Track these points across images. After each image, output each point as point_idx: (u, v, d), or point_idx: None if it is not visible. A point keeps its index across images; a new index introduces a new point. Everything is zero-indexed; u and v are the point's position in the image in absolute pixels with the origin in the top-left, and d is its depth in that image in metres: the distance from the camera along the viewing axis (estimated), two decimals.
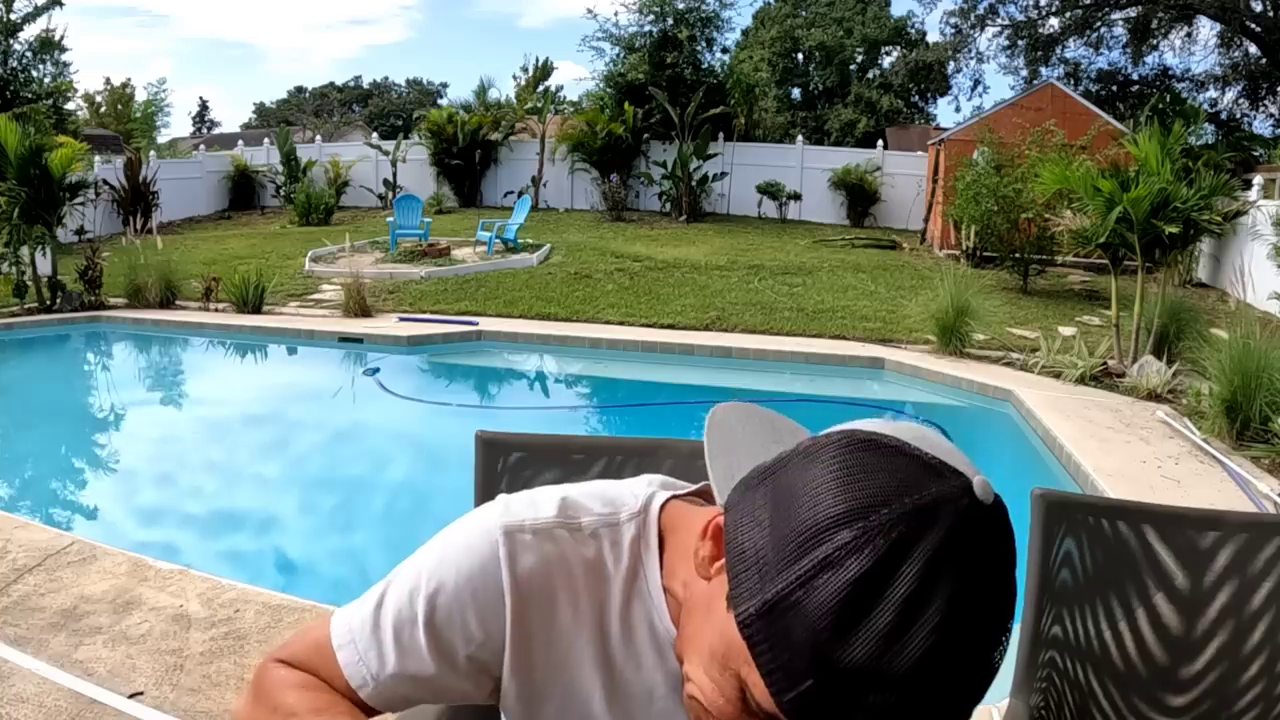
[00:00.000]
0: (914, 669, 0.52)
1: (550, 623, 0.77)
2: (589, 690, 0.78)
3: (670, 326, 8.81)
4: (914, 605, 0.52)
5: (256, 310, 9.43)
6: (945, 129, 19.23)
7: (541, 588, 0.76)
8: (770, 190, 19.03)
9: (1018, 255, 11.43)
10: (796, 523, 0.56)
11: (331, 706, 0.76)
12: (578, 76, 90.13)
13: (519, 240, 13.95)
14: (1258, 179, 12.03)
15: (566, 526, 0.78)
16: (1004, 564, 0.57)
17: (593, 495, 0.81)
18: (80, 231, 13.57)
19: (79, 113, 22.71)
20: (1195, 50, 42.39)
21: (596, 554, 0.78)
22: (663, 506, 0.81)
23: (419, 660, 0.77)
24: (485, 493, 1.39)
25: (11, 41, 18.76)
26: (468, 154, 20.58)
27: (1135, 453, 5.05)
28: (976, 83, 28.36)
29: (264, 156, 21.69)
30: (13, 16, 18.64)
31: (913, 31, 30.29)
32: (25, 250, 9.27)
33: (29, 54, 19.25)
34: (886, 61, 30.90)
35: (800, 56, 31.24)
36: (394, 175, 20.51)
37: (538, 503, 0.80)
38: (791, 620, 0.54)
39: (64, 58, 20.04)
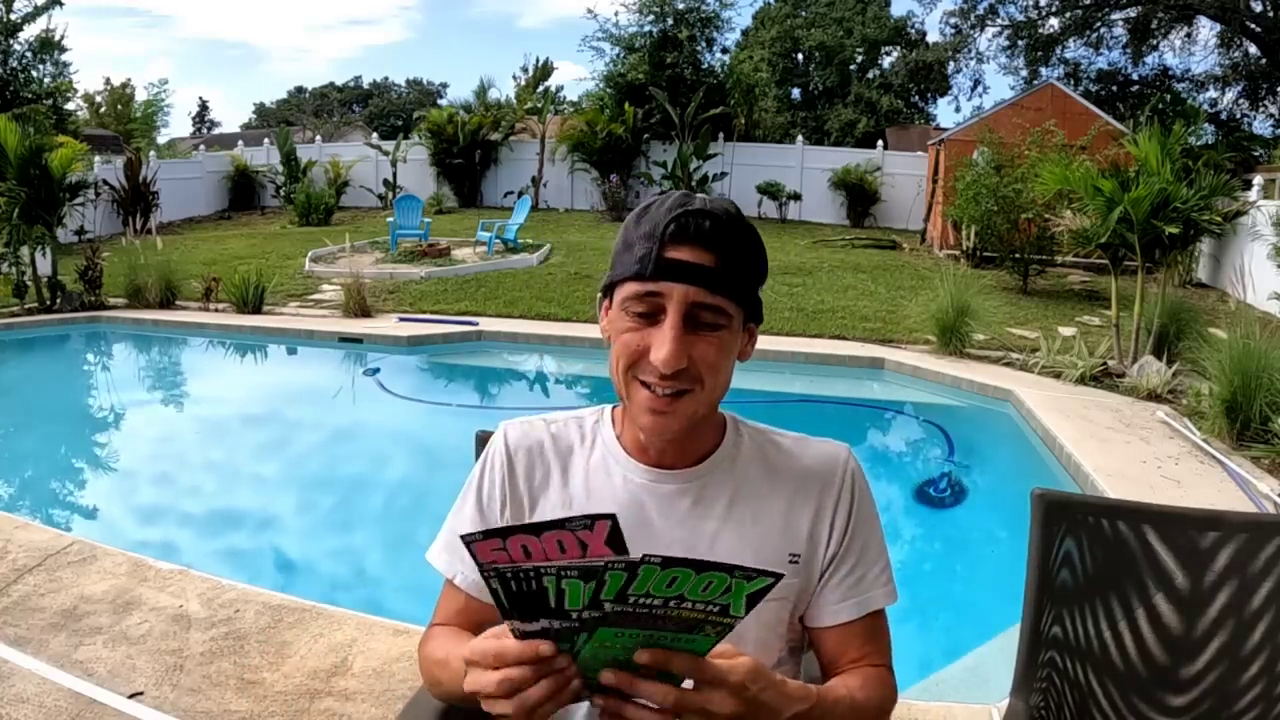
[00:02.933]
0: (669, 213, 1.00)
1: (532, 480, 1.11)
2: None
3: None
4: (658, 205, 1.02)
5: (256, 310, 9.43)
6: (945, 129, 19.24)
7: (525, 453, 1.12)
8: (770, 190, 19.03)
9: (1018, 255, 11.43)
10: None
11: (453, 634, 1.06)
12: (578, 77, 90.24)
13: (519, 240, 13.95)
14: (1258, 179, 12.04)
15: (544, 420, 1.16)
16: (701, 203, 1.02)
17: (568, 412, 1.19)
18: (80, 231, 13.58)
19: (79, 113, 22.72)
20: (1195, 50, 42.44)
21: (563, 432, 1.14)
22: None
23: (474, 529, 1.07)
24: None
25: (11, 41, 18.77)
26: (468, 154, 20.58)
27: (1135, 453, 5.05)
28: (976, 83, 28.41)
29: (264, 157, 21.69)
30: (13, 16, 18.64)
31: (913, 31, 30.28)
32: (25, 250, 9.27)
33: (29, 54, 19.25)
34: (886, 61, 30.90)
35: (800, 56, 31.24)
36: (394, 175, 20.52)
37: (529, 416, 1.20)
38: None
39: (64, 58, 20.07)
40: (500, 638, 0.78)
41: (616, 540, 0.70)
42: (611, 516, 0.71)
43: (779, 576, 0.70)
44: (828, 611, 1.07)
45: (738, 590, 0.71)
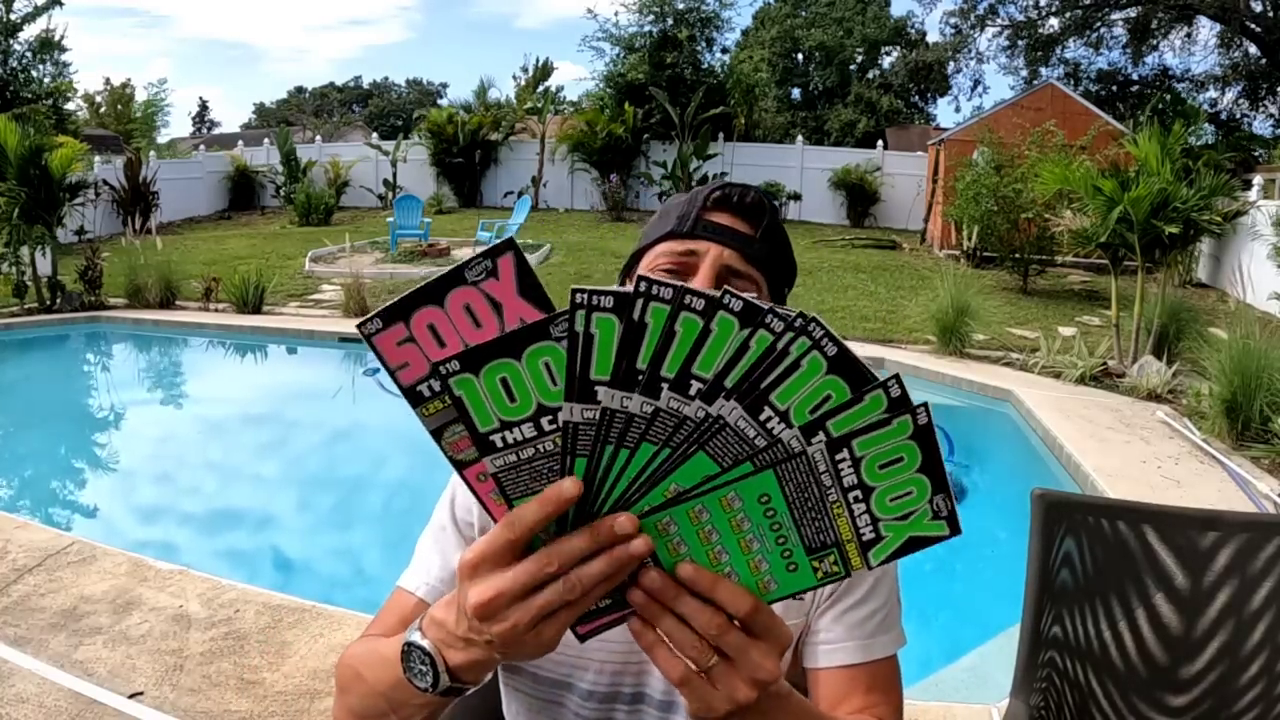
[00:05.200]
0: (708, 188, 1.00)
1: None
2: None
3: None
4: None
5: (256, 310, 9.43)
6: (945, 129, 19.23)
7: None
8: (770, 190, 19.04)
9: (1018, 255, 11.43)
10: None
11: (377, 638, 0.84)
12: (578, 77, 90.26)
13: (519, 240, 13.93)
14: (1257, 179, 12.04)
15: None
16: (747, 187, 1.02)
17: None
18: (80, 232, 13.58)
19: (79, 113, 22.70)
20: (1195, 50, 42.49)
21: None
22: None
23: (455, 550, 0.95)
24: None
25: (11, 41, 18.76)
26: (468, 154, 20.59)
27: (1135, 453, 5.05)
28: (976, 83, 28.48)
29: (264, 157, 21.69)
30: (13, 16, 18.64)
31: (913, 31, 30.32)
32: (25, 250, 9.26)
33: (29, 54, 19.24)
34: (886, 61, 30.93)
35: (800, 56, 31.26)
36: (394, 175, 20.52)
37: None
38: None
39: (64, 58, 20.06)
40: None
41: (529, 283, 0.55)
42: (511, 243, 0.55)
43: (956, 534, 0.57)
44: (823, 650, 0.93)
45: (913, 524, 0.57)
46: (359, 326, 0.56)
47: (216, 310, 9.54)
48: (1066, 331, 8.50)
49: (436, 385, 0.55)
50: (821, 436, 0.54)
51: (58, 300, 9.60)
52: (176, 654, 2.70)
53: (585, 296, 0.51)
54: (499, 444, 0.55)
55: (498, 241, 0.55)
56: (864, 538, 0.57)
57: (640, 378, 0.53)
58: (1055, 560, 1.51)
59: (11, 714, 2.36)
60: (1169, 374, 6.42)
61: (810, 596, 0.95)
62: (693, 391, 0.53)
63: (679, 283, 0.51)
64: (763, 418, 0.54)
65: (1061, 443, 5.21)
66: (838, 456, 0.55)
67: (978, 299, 7.76)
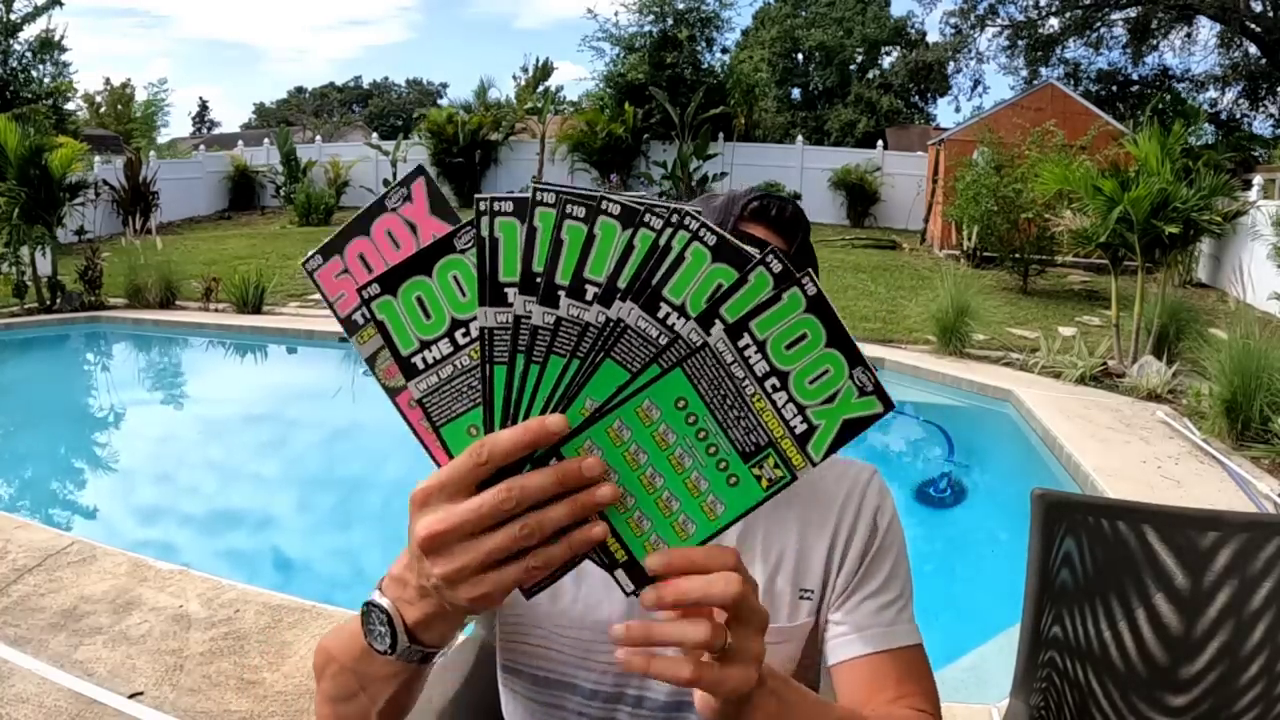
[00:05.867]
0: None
1: None
2: None
3: None
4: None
5: (256, 310, 9.43)
6: (945, 129, 19.23)
7: None
8: (770, 190, 19.03)
9: (1018, 255, 11.43)
10: None
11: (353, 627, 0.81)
12: (578, 77, 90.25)
13: None
14: (1258, 179, 12.05)
15: None
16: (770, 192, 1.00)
17: None
18: (80, 232, 13.57)
19: (79, 113, 22.70)
20: (1195, 50, 42.49)
21: None
22: None
23: None
24: None
25: (11, 41, 18.76)
26: (468, 154, 20.59)
27: (1135, 453, 5.05)
28: (976, 83, 28.49)
29: (264, 157, 21.69)
30: (13, 16, 18.64)
31: (913, 31, 30.33)
32: (25, 250, 9.26)
33: (29, 54, 19.24)
34: (886, 62, 30.94)
35: (800, 56, 31.27)
36: (394, 175, 20.48)
37: None
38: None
39: (64, 58, 20.06)
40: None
41: (439, 204, 0.59)
42: (421, 170, 0.60)
43: (889, 409, 0.55)
44: (846, 641, 0.92)
45: (841, 405, 0.55)
46: (303, 264, 0.60)
47: (216, 310, 9.54)
48: (1066, 331, 8.50)
49: (368, 313, 0.56)
50: (719, 324, 0.54)
51: (58, 300, 9.60)
52: (176, 654, 2.70)
53: (487, 203, 0.53)
54: (420, 365, 0.56)
55: (410, 173, 0.60)
56: (796, 430, 0.55)
57: (538, 281, 0.53)
58: (1055, 560, 1.51)
59: (11, 714, 2.36)
60: (1169, 374, 6.42)
61: (819, 592, 0.94)
62: (589, 297, 0.54)
63: (561, 186, 0.53)
64: (661, 314, 0.54)
65: (1061, 443, 5.21)
66: (740, 343, 0.54)
67: (978, 299, 7.76)
